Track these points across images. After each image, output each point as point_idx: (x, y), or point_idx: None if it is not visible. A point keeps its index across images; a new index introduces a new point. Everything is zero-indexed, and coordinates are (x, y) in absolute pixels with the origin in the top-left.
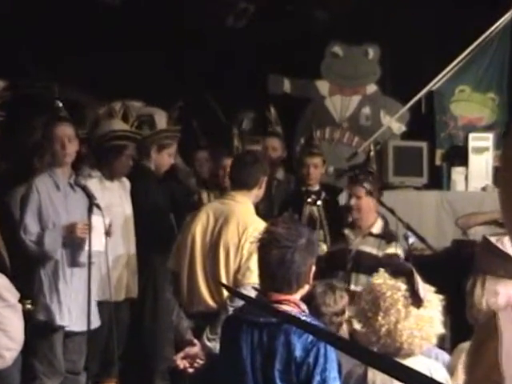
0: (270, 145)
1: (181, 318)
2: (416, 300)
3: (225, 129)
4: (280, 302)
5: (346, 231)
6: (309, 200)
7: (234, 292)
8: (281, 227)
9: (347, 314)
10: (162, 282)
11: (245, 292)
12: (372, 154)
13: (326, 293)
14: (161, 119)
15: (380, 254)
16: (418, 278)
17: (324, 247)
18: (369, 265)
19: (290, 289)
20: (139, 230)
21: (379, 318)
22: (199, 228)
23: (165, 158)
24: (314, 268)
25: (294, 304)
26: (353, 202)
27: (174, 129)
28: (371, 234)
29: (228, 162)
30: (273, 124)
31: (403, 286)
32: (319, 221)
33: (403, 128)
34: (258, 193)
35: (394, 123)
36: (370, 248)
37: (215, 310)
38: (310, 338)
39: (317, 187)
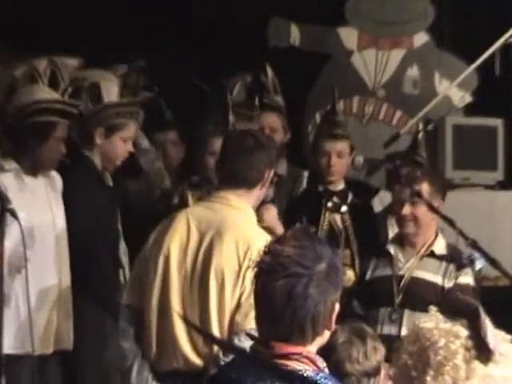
0: (266, 122)
1: (145, 380)
2: (483, 352)
3: (208, 98)
4: (287, 356)
5: (392, 250)
6: (329, 205)
7: (226, 345)
8: (290, 246)
9: (385, 372)
10: (111, 325)
11: (242, 342)
12: (421, 136)
13: (353, 343)
14: (110, 87)
15: (447, 284)
16: (487, 321)
17: (351, 274)
18: (429, 299)
19: (302, 338)
20: (75, 252)
21: (428, 378)
22: (175, 245)
23: (117, 146)
24: (337, 307)
25: (307, 360)
26: (407, 210)
27: (129, 102)
28: (432, 255)
29: (217, 145)
30: (270, 92)
31: (464, 332)
32: (344, 236)
33: (468, 98)
34: (259, 193)
35: (454, 91)
36: (432, 275)
37: (199, 368)
38: None
39: (341, 186)
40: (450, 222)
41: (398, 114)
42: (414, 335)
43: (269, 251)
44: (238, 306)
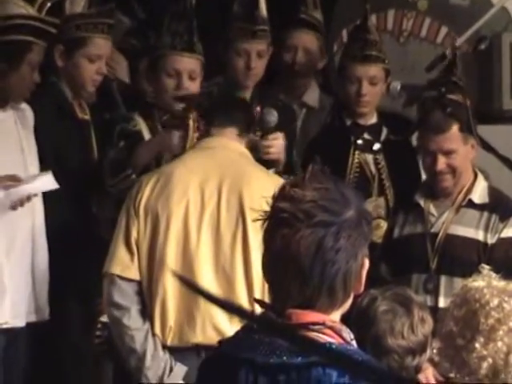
0: (301, 42)
1: (163, 361)
2: None
3: None
4: (307, 326)
5: (422, 201)
6: (359, 142)
7: (237, 310)
8: (311, 189)
9: (431, 349)
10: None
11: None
12: (470, 57)
13: (396, 313)
14: None
15: (490, 239)
16: None
17: (384, 226)
18: (470, 260)
19: (331, 301)
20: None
21: (477, 345)
22: (189, 209)
23: (80, 66)
24: (367, 262)
25: (330, 331)
26: (442, 164)
27: (94, 12)
28: (471, 205)
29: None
30: (308, 5)
31: None
32: (378, 180)
33: None
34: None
35: None
36: (472, 230)
37: None
38: None
39: (373, 119)
40: (507, 162)
41: (444, 30)
42: (462, 297)
43: (287, 196)
44: None
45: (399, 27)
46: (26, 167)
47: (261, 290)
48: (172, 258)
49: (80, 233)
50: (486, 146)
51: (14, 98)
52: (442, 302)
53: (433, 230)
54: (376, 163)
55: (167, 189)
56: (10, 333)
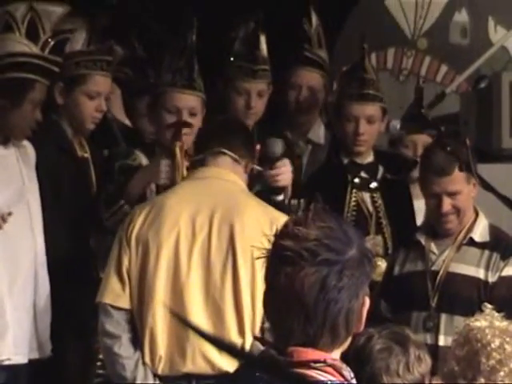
0: (305, 80)
1: None
2: None
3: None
4: (308, 364)
5: (423, 239)
6: (356, 181)
7: (232, 349)
8: (315, 228)
9: None
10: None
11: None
12: (470, 96)
13: (391, 351)
14: (77, 34)
15: (491, 278)
16: None
17: (383, 267)
18: (470, 298)
19: (333, 340)
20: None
21: None
22: (179, 237)
23: (80, 103)
24: (368, 301)
25: (331, 369)
26: (447, 205)
27: (94, 49)
28: (472, 243)
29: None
30: (313, 44)
31: None
32: (375, 218)
33: None
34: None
35: None
36: (473, 269)
37: (223, 371)
38: None
39: (370, 158)
40: (507, 201)
41: (444, 68)
42: (464, 337)
43: (290, 235)
44: None
45: (399, 66)
46: (28, 204)
47: (250, 320)
48: (161, 287)
49: (79, 268)
50: (486, 185)
51: (15, 136)
52: (442, 341)
53: (433, 268)
54: (373, 201)
55: (158, 219)
56: (12, 369)
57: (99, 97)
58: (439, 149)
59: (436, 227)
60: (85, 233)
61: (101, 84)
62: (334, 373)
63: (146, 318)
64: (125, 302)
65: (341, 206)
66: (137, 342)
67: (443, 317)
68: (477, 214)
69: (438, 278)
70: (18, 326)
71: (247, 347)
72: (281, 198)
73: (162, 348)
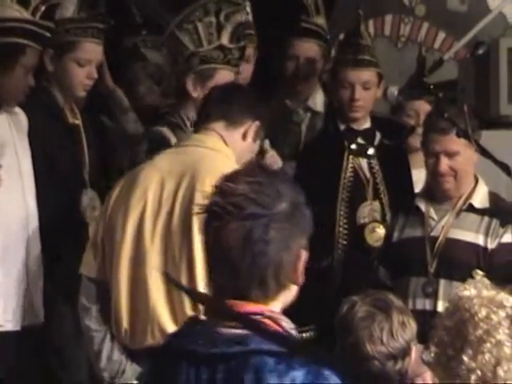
0: (302, 51)
1: (118, 363)
2: None
3: None
4: (246, 315)
5: (423, 205)
6: (352, 147)
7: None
8: (243, 183)
9: (416, 353)
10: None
11: None
12: (468, 63)
13: (375, 318)
14: (69, 3)
15: (490, 244)
16: None
17: (380, 232)
18: (469, 264)
19: (263, 292)
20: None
21: (465, 358)
22: (147, 206)
23: (69, 70)
24: (305, 254)
25: (269, 320)
26: (445, 165)
27: (84, 16)
28: (471, 209)
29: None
30: (310, 13)
31: (510, 300)
32: (372, 184)
33: None
34: (241, 145)
35: (511, 7)
36: (472, 235)
37: None
38: (300, 375)
39: (367, 124)
40: (504, 167)
41: (442, 35)
42: (453, 306)
43: (219, 190)
44: None
45: (397, 32)
46: (20, 171)
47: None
48: (126, 257)
49: (71, 234)
50: (483, 152)
51: (7, 102)
52: (441, 306)
53: (432, 234)
54: (370, 168)
55: (130, 189)
56: (4, 336)
57: (90, 64)
58: (437, 114)
59: (434, 189)
60: (76, 199)
61: (91, 51)
62: (272, 324)
63: (112, 290)
64: (95, 272)
65: (338, 172)
66: (107, 315)
67: (442, 282)
68: (477, 181)
69: (437, 243)
70: (9, 292)
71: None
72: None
73: (126, 321)
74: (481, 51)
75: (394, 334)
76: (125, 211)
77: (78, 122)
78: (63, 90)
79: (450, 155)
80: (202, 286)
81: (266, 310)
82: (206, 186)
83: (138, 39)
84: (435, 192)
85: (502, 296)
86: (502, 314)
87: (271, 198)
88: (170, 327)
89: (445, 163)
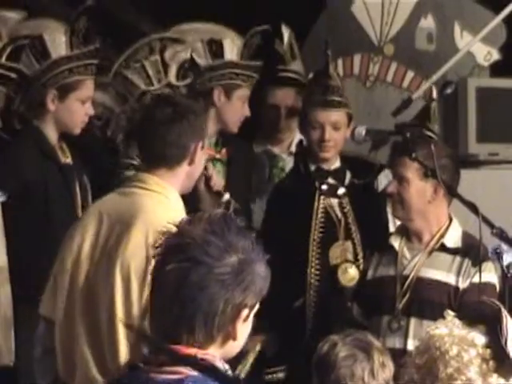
0: (281, 99)
1: None
2: (503, 364)
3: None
4: (181, 359)
5: (397, 244)
6: (323, 187)
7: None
8: (199, 229)
9: None
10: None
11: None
12: (434, 104)
13: (357, 358)
14: (56, 38)
15: (462, 283)
16: (511, 324)
17: (353, 272)
18: (440, 303)
19: (191, 338)
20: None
21: None
22: (85, 244)
23: (74, 109)
24: (245, 314)
25: (203, 362)
26: (392, 188)
27: (83, 52)
28: (444, 249)
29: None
30: (287, 59)
31: (481, 340)
32: (344, 224)
33: (495, 55)
34: (189, 170)
35: (478, 47)
36: (444, 274)
37: None
38: None
39: (337, 163)
40: (472, 207)
41: (410, 74)
42: (424, 344)
43: (175, 231)
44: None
45: (365, 72)
46: None
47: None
48: (61, 301)
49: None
50: (451, 191)
51: None
52: (411, 345)
53: (405, 273)
54: (341, 207)
55: (76, 225)
56: None
57: (89, 101)
58: (405, 154)
59: (406, 229)
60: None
61: (91, 88)
62: (208, 366)
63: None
64: (44, 310)
65: (309, 212)
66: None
67: (412, 321)
68: (450, 220)
69: (408, 282)
70: None
71: None
72: (227, 197)
73: (60, 362)
74: (449, 90)
75: (374, 373)
76: (67, 254)
77: (69, 160)
78: (61, 128)
79: (400, 180)
80: (121, 335)
81: (201, 353)
82: (133, 233)
83: None
84: (408, 230)
85: (473, 335)
86: (473, 352)
87: (220, 249)
88: (94, 371)
89: (392, 186)
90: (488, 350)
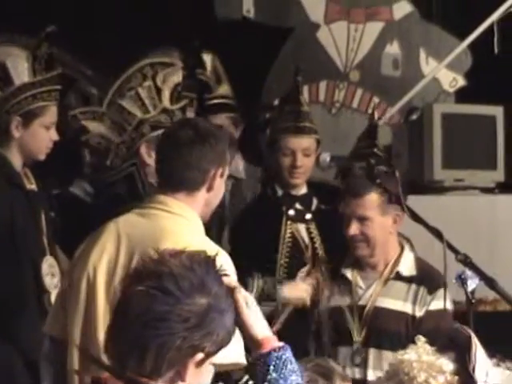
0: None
1: None
2: None
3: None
4: None
5: (350, 273)
6: (291, 213)
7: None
8: (179, 262)
9: None
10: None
11: None
12: (402, 128)
13: None
14: (19, 65)
15: (418, 312)
16: (480, 351)
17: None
18: (398, 333)
19: (142, 368)
20: None
21: None
22: (102, 264)
23: (38, 136)
24: (200, 358)
25: None
26: (354, 229)
27: (46, 78)
28: (399, 277)
29: None
30: (212, 86)
31: (449, 367)
32: (311, 249)
33: (460, 81)
34: (208, 197)
35: (443, 73)
36: (400, 303)
37: None
38: None
39: (304, 189)
40: (436, 233)
41: (376, 100)
42: (393, 369)
43: (157, 258)
44: None
45: (331, 98)
46: None
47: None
48: (75, 323)
49: (28, 304)
50: (415, 217)
51: None
52: (371, 375)
53: (360, 303)
54: (309, 233)
55: (90, 245)
56: None
57: (53, 126)
58: (369, 180)
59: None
60: (36, 266)
61: (55, 114)
62: None
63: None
64: (50, 329)
65: (276, 237)
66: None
67: (371, 351)
68: (402, 248)
69: (365, 312)
70: None
71: None
72: None
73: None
74: (414, 116)
75: None
76: (81, 274)
77: (34, 186)
78: (26, 154)
79: (360, 219)
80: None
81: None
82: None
83: (76, 111)
84: (360, 259)
85: (442, 361)
86: (441, 379)
87: (193, 287)
88: None
89: (354, 227)
90: (456, 377)
